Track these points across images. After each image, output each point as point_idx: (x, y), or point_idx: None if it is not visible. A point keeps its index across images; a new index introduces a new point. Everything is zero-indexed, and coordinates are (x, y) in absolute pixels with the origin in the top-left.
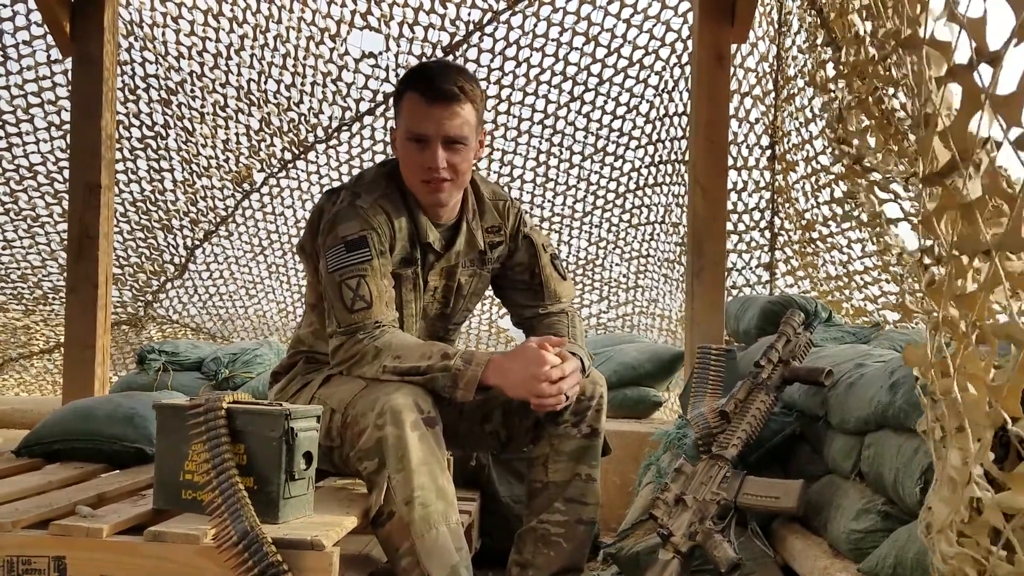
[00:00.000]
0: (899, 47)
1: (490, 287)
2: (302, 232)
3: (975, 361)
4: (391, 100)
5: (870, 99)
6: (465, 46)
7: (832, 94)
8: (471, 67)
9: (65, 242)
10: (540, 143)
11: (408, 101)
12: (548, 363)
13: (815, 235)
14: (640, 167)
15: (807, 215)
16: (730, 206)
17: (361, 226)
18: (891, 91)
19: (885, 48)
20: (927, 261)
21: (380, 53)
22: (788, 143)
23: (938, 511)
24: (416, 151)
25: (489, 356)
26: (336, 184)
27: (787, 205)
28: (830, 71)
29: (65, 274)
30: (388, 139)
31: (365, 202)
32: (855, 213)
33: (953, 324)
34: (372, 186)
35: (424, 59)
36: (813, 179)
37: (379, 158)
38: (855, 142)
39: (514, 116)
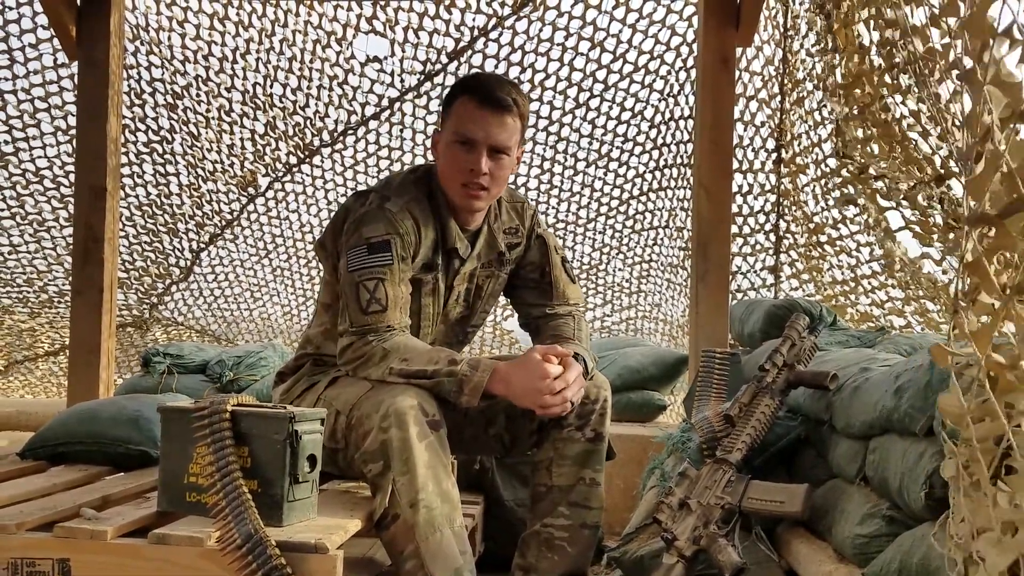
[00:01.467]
0: (961, 80)
1: None
2: (324, 229)
3: None
4: (397, 104)
5: (876, 107)
6: (470, 52)
7: (838, 99)
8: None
9: (71, 246)
10: (544, 150)
11: (460, 105)
12: (551, 375)
13: (823, 238)
14: (644, 172)
15: (816, 218)
16: (735, 209)
17: (387, 229)
18: (899, 98)
19: (892, 57)
20: (963, 304)
21: (385, 58)
22: (798, 146)
23: (989, 556)
24: (462, 153)
25: (495, 364)
26: (341, 189)
27: (793, 208)
28: (839, 76)
29: (71, 278)
30: (395, 143)
31: (394, 206)
32: (862, 218)
33: (998, 367)
34: (401, 190)
35: (429, 64)
36: (822, 182)
37: (384, 163)
38: (858, 151)
39: None
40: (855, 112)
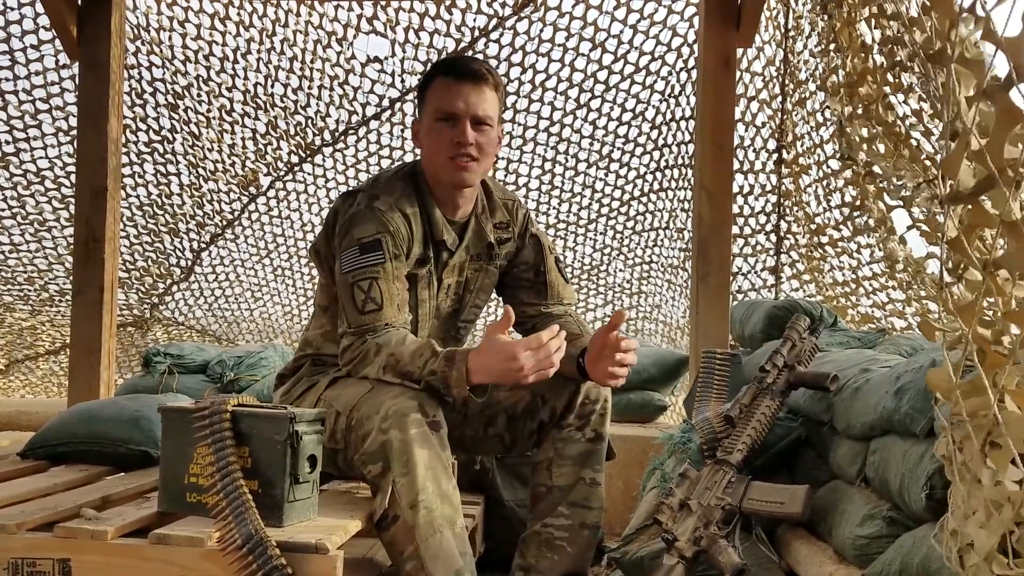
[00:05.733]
0: (930, 61)
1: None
2: (317, 234)
3: (1015, 378)
4: (397, 104)
5: (878, 106)
6: (470, 52)
7: (840, 99)
8: None
9: (71, 245)
10: (546, 151)
11: (437, 84)
12: (518, 354)
13: (825, 239)
14: (645, 172)
15: (818, 219)
16: (735, 210)
17: (377, 228)
18: (901, 97)
19: (894, 55)
20: (948, 280)
21: (386, 58)
22: (801, 146)
23: (978, 538)
24: (446, 129)
25: (467, 352)
26: (342, 188)
27: (795, 209)
28: (841, 76)
29: (71, 277)
30: (396, 143)
31: (383, 204)
32: (864, 219)
33: (983, 342)
34: (389, 188)
35: (430, 65)
36: (824, 183)
37: (385, 163)
38: (863, 150)
39: (520, 124)
40: (859, 111)
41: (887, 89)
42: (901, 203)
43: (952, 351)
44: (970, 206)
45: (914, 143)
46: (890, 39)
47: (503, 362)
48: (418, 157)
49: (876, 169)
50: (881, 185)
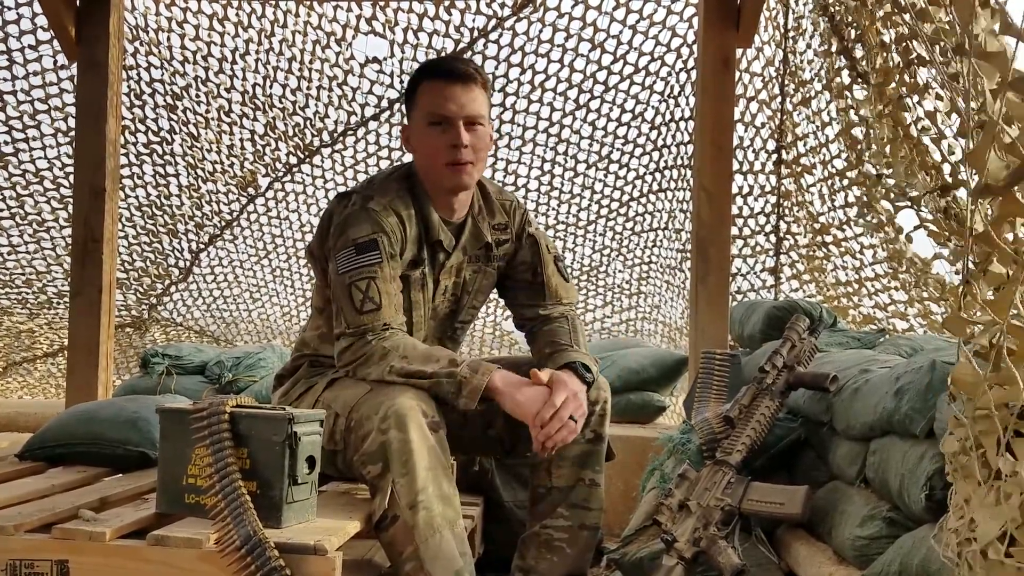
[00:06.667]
0: (955, 53)
1: (495, 289)
2: (312, 235)
3: None
4: (396, 105)
5: (895, 107)
6: (469, 53)
7: (848, 101)
8: None
9: (70, 247)
10: (545, 151)
11: (426, 89)
12: (556, 403)
13: (828, 239)
14: (644, 173)
15: (821, 219)
16: (735, 210)
17: (372, 229)
18: (915, 99)
19: (910, 52)
20: (974, 274)
21: (385, 59)
22: (804, 146)
23: (984, 523)
24: (439, 133)
25: (494, 368)
26: (341, 189)
27: (796, 209)
28: (845, 78)
29: (69, 278)
30: (395, 143)
31: (377, 205)
32: (869, 218)
33: (1019, 332)
34: (384, 189)
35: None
36: (829, 182)
37: (384, 163)
38: (883, 153)
39: (519, 125)
40: (887, 110)
41: (903, 90)
42: (909, 203)
43: (978, 344)
44: (1000, 197)
45: (925, 148)
46: (905, 36)
47: (537, 396)
48: None
49: (885, 171)
50: (888, 184)
